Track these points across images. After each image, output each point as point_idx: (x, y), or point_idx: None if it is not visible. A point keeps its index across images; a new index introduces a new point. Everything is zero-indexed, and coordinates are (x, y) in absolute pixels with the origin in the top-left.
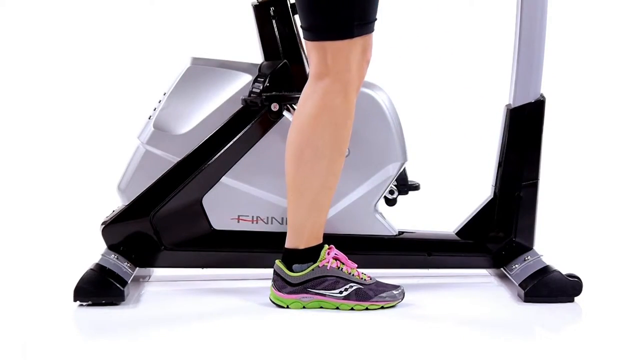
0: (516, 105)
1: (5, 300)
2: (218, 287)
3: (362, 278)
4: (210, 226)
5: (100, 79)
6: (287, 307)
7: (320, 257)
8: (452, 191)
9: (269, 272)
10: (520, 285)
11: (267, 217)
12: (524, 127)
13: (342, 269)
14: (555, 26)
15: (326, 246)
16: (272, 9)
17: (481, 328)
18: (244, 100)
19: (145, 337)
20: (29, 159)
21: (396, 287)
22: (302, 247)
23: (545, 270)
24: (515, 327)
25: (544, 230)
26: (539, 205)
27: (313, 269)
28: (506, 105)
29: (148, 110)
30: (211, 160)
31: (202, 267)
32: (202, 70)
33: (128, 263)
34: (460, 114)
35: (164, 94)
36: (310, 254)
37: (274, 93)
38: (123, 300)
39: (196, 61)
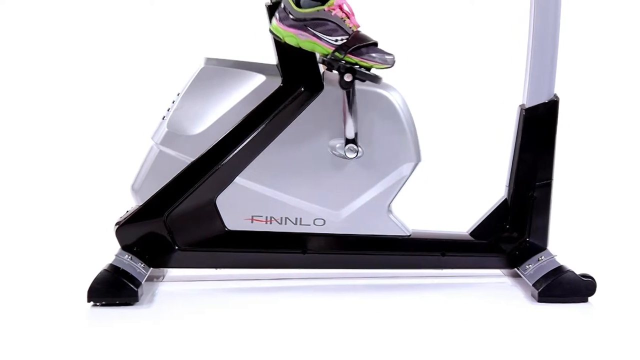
0: (530, 105)
1: (19, 301)
2: (232, 287)
3: None
4: (224, 226)
5: (114, 79)
6: (283, 39)
7: (329, 2)
8: (465, 191)
9: (283, 272)
10: (534, 285)
11: (281, 218)
12: (537, 127)
13: (345, 21)
14: (569, 25)
15: None
16: None
17: (494, 328)
18: (322, 60)
19: (160, 338)
20: (43, 160)
21: (389, 54)
22: None
23: (559, 270)
24: (528, 327)
25: (558, 230)
26: (553, 205)
27: (318, 10)
28: (520, 106)
29: (162, 110)
30: (225, 161)
31: (216, 267)
32: (216, 71)
33: (142, 263)
34: (473, 113)
35: (178, 95)
36: None
37: (353, 65)
38: (137, 300)
39: (210, 61)
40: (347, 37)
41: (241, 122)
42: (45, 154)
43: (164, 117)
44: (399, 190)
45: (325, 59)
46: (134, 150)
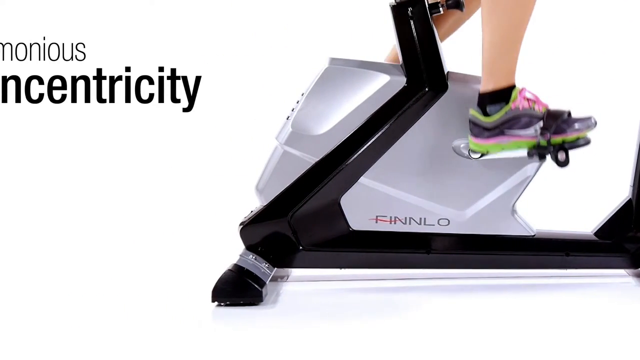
0: None
1: (144, 302)
2: (356, 287)
3: None
4: (348, 226)
5: (239, 80)
6: (487, 152)
7: (512, 97)
8: (590, 191)
9: (407, 272)
10: None
11: (405, 218)
12: None
13: (534, 108)
14: None
15: (518, 87)
16: (410, 9)
17: (620, 328)
18: (530, 154)
19: (284, 338)
20: (169, 162)
21: (589, 118)
22: (493, 88)
23: None
24: None
25: None
26: None
27: (506, 112)
28: None
29: (286, 110)
30: (349, 161)
31: (340, 267)
32: (340, 71)
33: (266, 263)
34: (598, 113)
35: (302, 95)
36: (502, 95)
37: (561, 143)
38: (261, 300)
39: (334, 62)
40: (542, 121)
41: (365, 122)
42: (172, 157)
43: (288, 117)
44: (524, 190)
45: (533, 151)
46: (259, 150)
